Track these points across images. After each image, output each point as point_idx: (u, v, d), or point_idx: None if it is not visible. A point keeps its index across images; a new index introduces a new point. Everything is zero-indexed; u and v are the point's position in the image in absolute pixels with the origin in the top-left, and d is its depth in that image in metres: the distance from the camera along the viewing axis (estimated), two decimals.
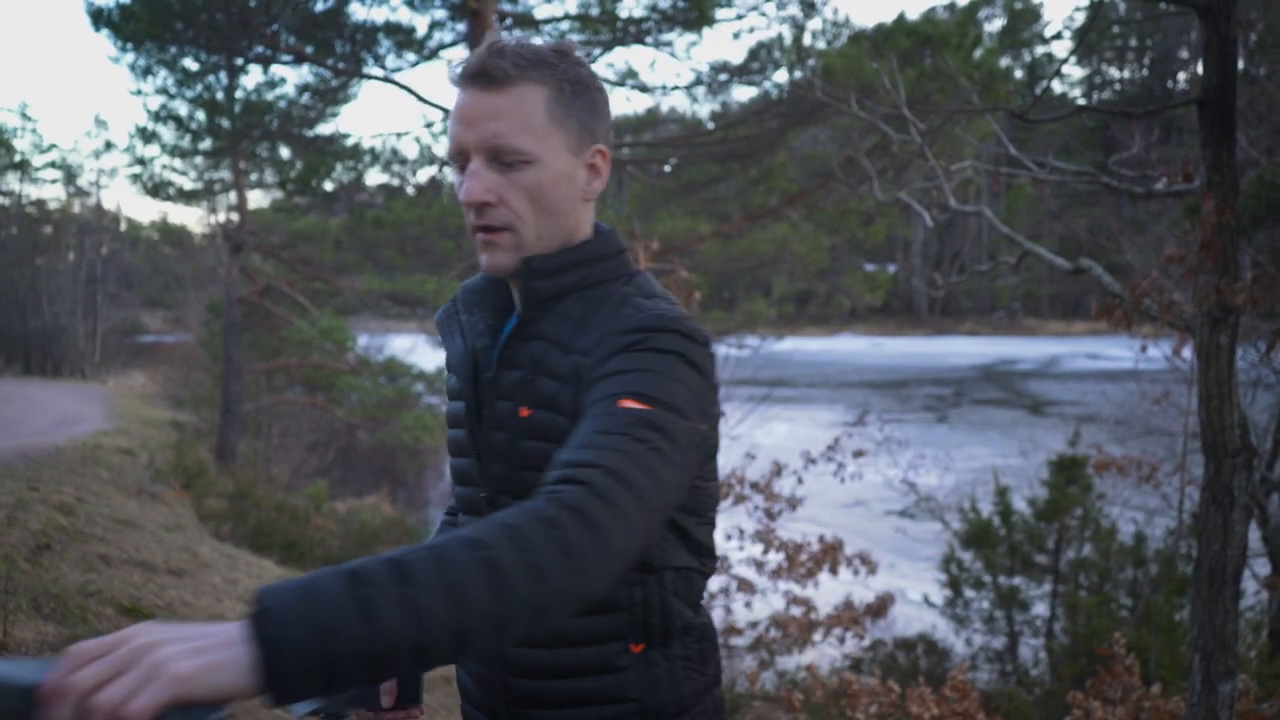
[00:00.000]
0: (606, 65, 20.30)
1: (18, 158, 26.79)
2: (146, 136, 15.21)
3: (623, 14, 12.07)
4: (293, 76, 16.24)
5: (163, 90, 13.99)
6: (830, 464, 8.15)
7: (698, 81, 13.29)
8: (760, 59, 13.09)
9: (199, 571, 5.95)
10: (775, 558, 7.58)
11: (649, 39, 12.19)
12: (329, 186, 15.73)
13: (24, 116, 31.25)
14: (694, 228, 13.42)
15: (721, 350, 11.85)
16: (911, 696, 4.73)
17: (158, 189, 17.24)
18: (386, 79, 13.44)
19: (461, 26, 12.55)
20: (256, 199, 19.56)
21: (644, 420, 1.09)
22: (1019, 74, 42.08)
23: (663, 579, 1.30)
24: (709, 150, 13.57)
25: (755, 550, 7.69)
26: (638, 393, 1.13)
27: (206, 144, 15.14)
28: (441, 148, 21.22)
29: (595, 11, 12.16)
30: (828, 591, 7.73)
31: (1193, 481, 8.23)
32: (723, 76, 13.26)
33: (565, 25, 12.32)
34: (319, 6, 12.56)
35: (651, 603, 1.30)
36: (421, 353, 17.36)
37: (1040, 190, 6.29)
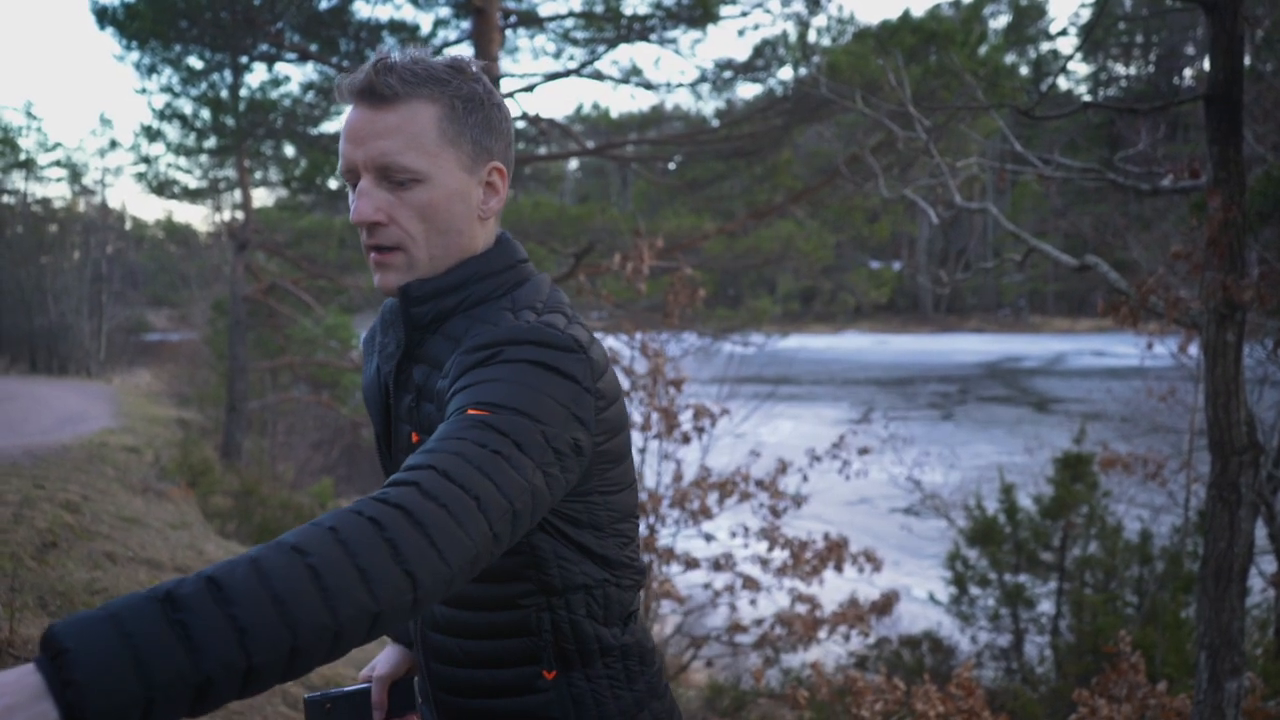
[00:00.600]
0: (611, 62, 20.31)
1: (23, 156, 26.88)
2: (151, 135, 15.25)
3: (627, 11, 12.05)
4: (297, 75, 16.29)
5: (167, 88, 14.00)
6: (835, 461, 8.14)
7: (702, 79, 13.27)
8: (765, 56, 13.07)
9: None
10: (780, 555, 7.57)
11: (653, 36, 12.17)
12: (333, 184, 15.72)
13: (29, 115, 31.38)
14: (699, 225, 13.41)
15: (726, 348, 11.83)
16: (917, 694, 4.72)
17: (162, 187, 17.30)
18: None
19: (466, 24, 12.54)
20: (261, 197, 19.62)
21: (483, 423, 1.06)
22: (1024, 71, 41.98)
23: (570, 602, 1.26)
24: (713, 148, 13.56)
25: (760, 547, 7.69)
26: (481, 401, 1.09)
27: (211, 142, 15.14)
28: None
29: (600, 8, 12.15)
30: (833, 589, 7.72)
31: (1199, 479, 8.21)
32: (727, 74, 13.24)
33: (570, 22, 12.31)
34: (323, 5, 12.57)
35: (562, 628, 1.27)
36: None
37: (1046, 187, 6.28)
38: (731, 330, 14.08)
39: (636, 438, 7.59)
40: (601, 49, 12.52)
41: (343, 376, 14.70)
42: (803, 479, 7.86)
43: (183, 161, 16.68)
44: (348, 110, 1.24)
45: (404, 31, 12.64)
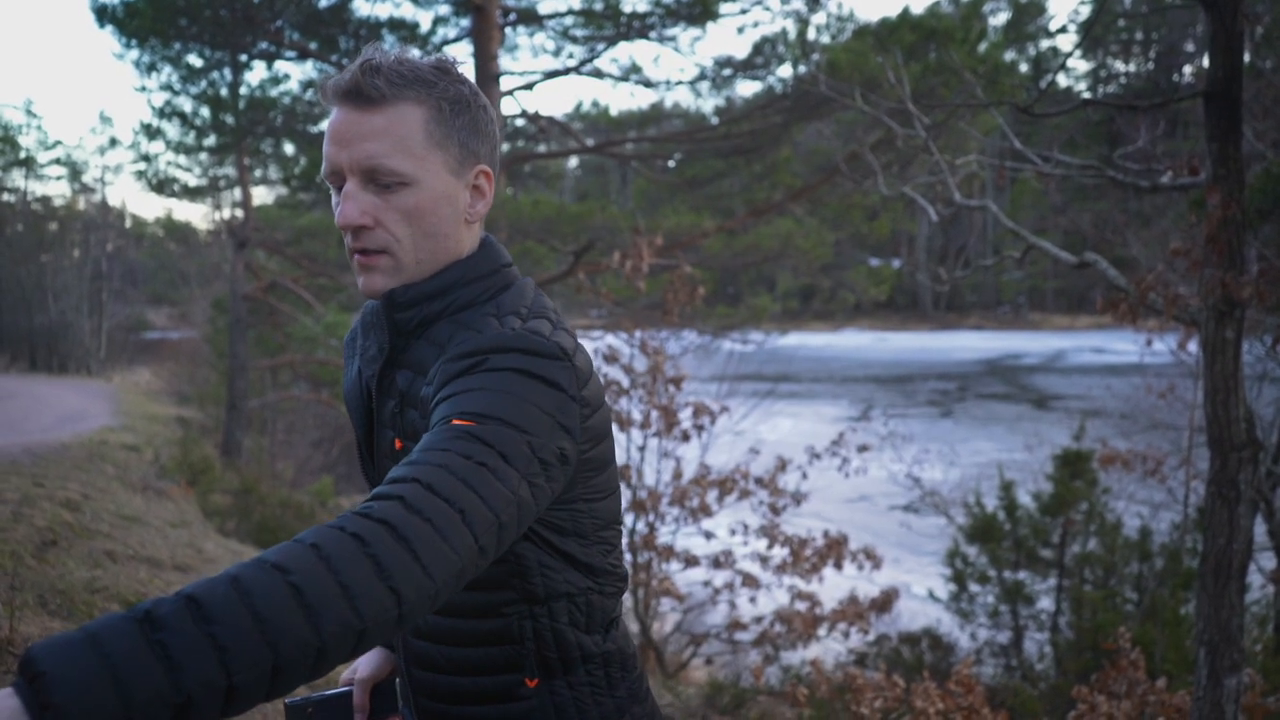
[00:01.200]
0: (610, 60, 20.27)
1: (23, 154, 26.86)
2: (151, 133, 15.25)
3: (627, 9, 12.05)
4: (297, 73, 16.28)
5: (167, 87, 14.00)
6: (835, 459, 8.14)
7: (702, 76, 13.28)
8: (764, 54, 13.07)
9: (204, 567, 5.96)
10: (780, 553, 7.58)
11: (653, 34, 12.16)
12: None
13: (29, 113, 31.39)
14: (698, 223, 13.41)
15: (726, 345, 11.84)
16: (916, 691, 4.72)
17: (162, 185, 17.30)
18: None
19: (465, 22, 12.53)
20: (261, 195, 19.62)
21: (468, 434, 1.04)
22: (1024, 68, 41.96)
23: (553, 610, 1.26)
24: (713, 145, 13.56)
25: (760, 545, 7.70)
26: (465, 411, 1.08)
27: (211, 140, 15.15)
28: None
29: (599, 6, 12.14)
30: (832, 586, 7.73)
31: (1198, 476, 8.21)
32: (727, 71, 13.24)
33: (569, 20, 12.31)
34: (323, 2, 12.56)
35: (544, 636, 1.26)
36: None
37: (1045, 184, 6.28)
38: (731, 328, 14.08)
39: (636, 435, 7.60)
40: (601, 46, 12.51)
41: (342, 375, 14.69)
42: (802, 476, 7.87)
43: (182, 159, 16.69)
44: (333, 112, 1.22)
45: (403, 29, 12.63)
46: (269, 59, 13.53)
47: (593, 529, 1.27)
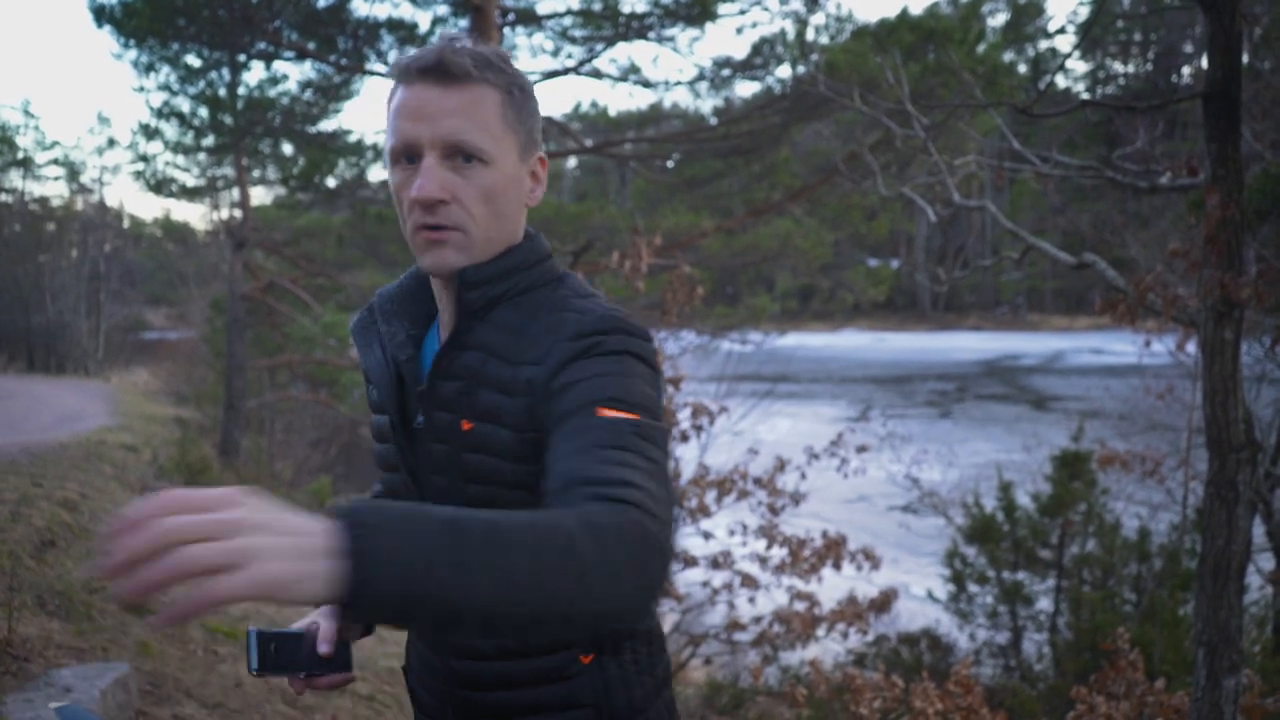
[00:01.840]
0: (609, 60, 20.25)
1: (21, 155, 26.82)
2: (149, 133, 15.23)
3: (625, 9, 12.05)
4: (295, 73, 16.24)
5: (165, 87, 13.99)
6: (833, 459, 8.13)
7: (700, 77, 13.27)
8: (763, 54, 13.06)
9: None
10: (778, 553, 7.57)
11: (652, 34, 12.16)
12: (331, 183, 15.74)
13: (27, 113, 31.31)
14: (697, 223, 13.40)
15: (725, 346, 11.83)
16: (915, 691, 4.72)
17: (160, 186, 17.28)
18: (389, 75, 13.42)
19: (464, 22, 12.53)
20: (259, 195, 19.59)
21: (638, 433, 1.09)
22: (1023, 69, 41.94)
23: None
24: (712, 146, 13.55)
25: (758, 545, 7.69)
26: (614, 399, 1.11)
27: (209, 140, 15.14)
28: None
29: (598, 6, 12.14)
30: (831, 587, 7.72)
31: (1197, 477, 8.21)
32: (726, 72, 13.24)
33: (568, 20, 12.30)
34: (321, 3, 12.55)
35: None
36: None
37: (1044, 185, 6.28)
38: (730, 328, 14.08)
39: None
40: (600, 47, 12.51)
41: (341, 374, 14.68)
42: (801, 477, 7.86)
43: (181, 159, 16.65)
44: (402, 89, 1.24)
45: (402, 29, 12.63)
46: (267, 59, 13.53)
47: None
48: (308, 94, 14.39)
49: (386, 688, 4.76)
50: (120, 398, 18.08)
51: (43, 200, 28.91)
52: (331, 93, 14.50)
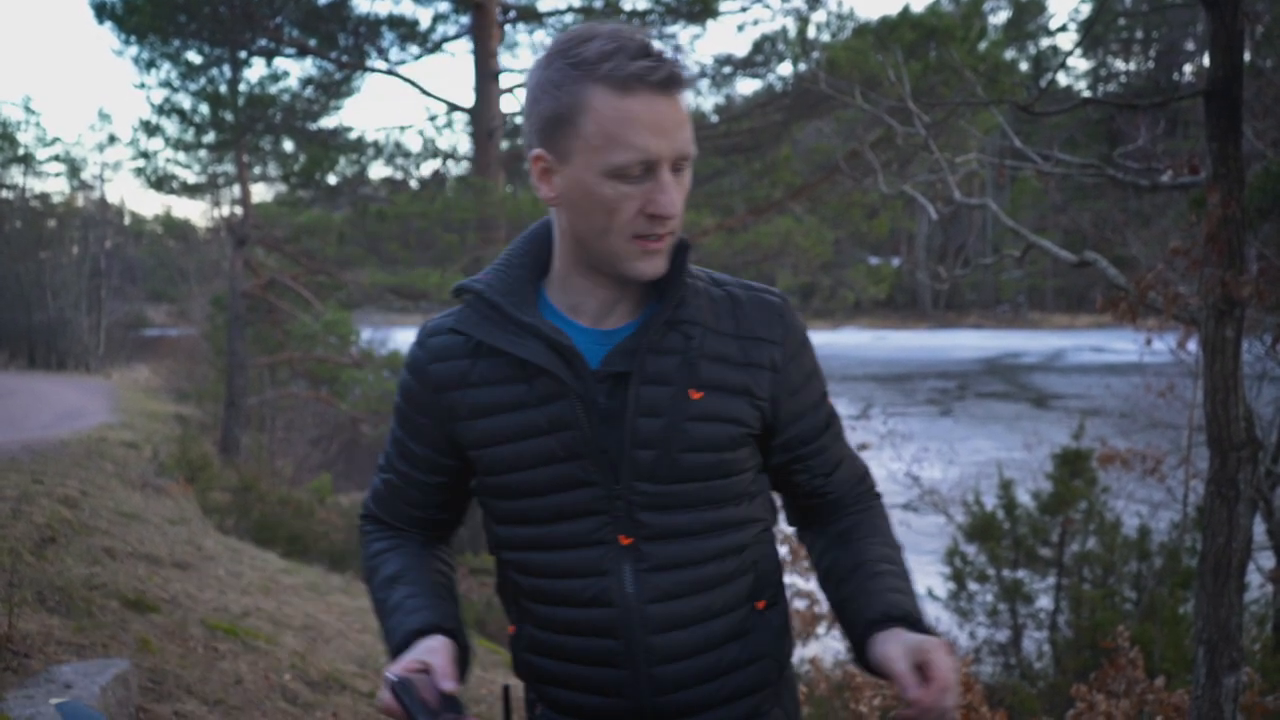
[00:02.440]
0: None
1: (21, 151, 26.82)
2: (150, 130, 15.23)
3: (626, 6, 12.05)
4: (296, 70, 16.24)
5: (166, 83, 14.00)
6: None
7: (702, 74, 13.27)
8: (764, 52, 13.07)
9: (203, 565, 5.96)
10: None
11: (653, 31, 12.15)
12: (332, 180, 15.73)
13: (28, 110, 31.38)
14: (698, 221, 13.40)
15: None
16: None
17: (161, 183, 17.28)
18: (390, 72, 13.43)
19: (465, 19, 12.53)
20: (260, 192, 19.60)
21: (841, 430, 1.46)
22: (1024, 66, 41.89)
23: (771, 534, 1.41)
24: (713, 143, 13.55)
25: None
26: (827, 393, 1.42)
27: (210, 137, 15.14)
28: (445, 141, 21.18)
29: (599, 4, 12.14)
30: None
31: (1197, 475, 8.20)
32: (727, 69, 13.25)
33: (569, 17, 12.30)
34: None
35: (770, 556, 1.40)
36: None
37: (1045, 183, 6.28)
38: None
39: None
40: None
41: (342, 372, 14.68)
42: None
43: (181, 156, 16.64)
44: (629, 98, 1.18)
45: (403, 26, 12.64)
46: (268, 56, 13.53)
47: None
48: (309, 91, 14.40)
49: None
50: (121, 395, 18.10)
51: (44, 197, 28.93)
52: (332, 89, 14.51)
